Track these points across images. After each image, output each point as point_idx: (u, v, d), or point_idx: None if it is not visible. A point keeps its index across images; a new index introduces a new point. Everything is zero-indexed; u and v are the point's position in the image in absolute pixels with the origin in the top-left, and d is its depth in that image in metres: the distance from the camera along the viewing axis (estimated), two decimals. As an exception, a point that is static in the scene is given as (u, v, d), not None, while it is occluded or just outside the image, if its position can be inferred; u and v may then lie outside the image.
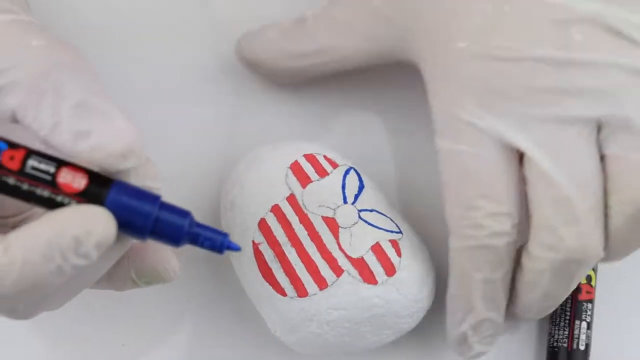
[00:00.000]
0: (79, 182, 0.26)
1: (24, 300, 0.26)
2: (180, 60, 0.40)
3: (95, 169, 0.26)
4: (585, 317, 0.36)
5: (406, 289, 0.32)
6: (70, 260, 0.24)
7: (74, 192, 0.26)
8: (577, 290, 0.36)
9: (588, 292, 0.37)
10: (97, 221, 0.25)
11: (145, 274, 0.30)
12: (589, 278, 0.37)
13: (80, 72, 0.27)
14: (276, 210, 0.33)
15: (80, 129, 0.25)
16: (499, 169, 0.31)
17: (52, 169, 0.26)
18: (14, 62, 0.26)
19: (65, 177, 0.26)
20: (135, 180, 0.26)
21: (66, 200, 0.26)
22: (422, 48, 0.33)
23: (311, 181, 0.34)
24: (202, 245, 0.28)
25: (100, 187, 0.26)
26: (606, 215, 0.30)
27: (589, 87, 0.30)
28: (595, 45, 0.30)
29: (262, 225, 0.33)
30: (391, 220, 0.34)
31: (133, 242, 0.28)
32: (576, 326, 0.36)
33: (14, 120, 0.26)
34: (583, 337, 0.36)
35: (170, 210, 0.27)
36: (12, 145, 0.26)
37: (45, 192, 0.26)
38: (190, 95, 0.39)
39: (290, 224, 0.33)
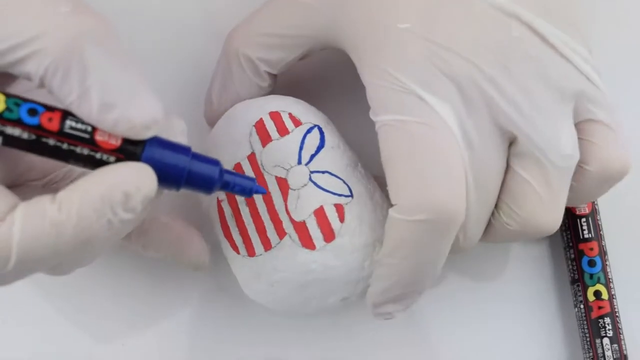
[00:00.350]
0: (116, 138, 0.27)
1: (75, 255, 0.27)
2: (180, 60, 0.40)
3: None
4: (606, 332, 0.37)
5: (346, 255, 0.32)
6: (119, 214, 0.26)
7: (112, 148, 0.27)
8: (588, 309, 0.37)
9: (600, 307, 0.37)
10: (144, 176, 0.26)
11: (182, 262, 0.34)
12: (597, 293, 0.37)
13: (108, 40, 0.27)
14: (237, 168, 0.34)
15: (105, 101, 0.26)
16: (450, 143, 0.30)
17: (89, 127, 0.27)
18: (42, 30, 0.26)
19: (102, 135, 0.27)
20: (166, 135, 0.28)
21: (104, 157, 0.27)
22: (353, 33, 0.32)
23: (271, 140, 0.34)
24: (232, 190, 0.30)
25: (136, 142, 0.27)
26: (492, 213, 0.32)
27: (515, 101, 0.30)
28: (530, 50, 0.30)
29: (225, 183, 0.34)
30: (344, 182, 0.33)
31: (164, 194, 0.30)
32: (597, 345, 0.37)
33: (41, 85, 0.27)
34: (609, 353, 0.36)
35: (201, 159, 0.29)
36: (49, 108, 0.27)
37: (85, 150, 0.27)
38: (190, 93, 0.39)
39: (247, 183, 0.33)
